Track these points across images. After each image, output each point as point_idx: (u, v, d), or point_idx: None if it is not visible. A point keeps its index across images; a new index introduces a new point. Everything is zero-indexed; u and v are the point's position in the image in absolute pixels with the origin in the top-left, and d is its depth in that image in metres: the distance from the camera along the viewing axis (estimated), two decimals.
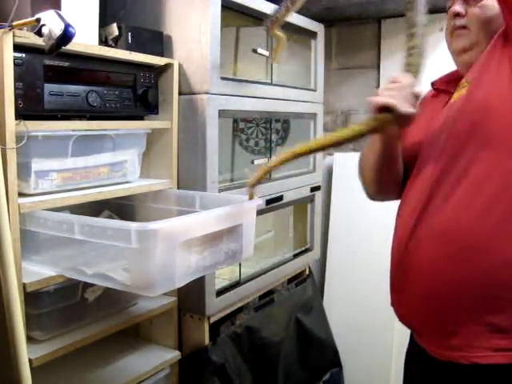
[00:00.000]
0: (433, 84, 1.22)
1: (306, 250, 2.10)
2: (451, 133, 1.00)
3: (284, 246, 2.06)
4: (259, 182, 1.10)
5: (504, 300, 0.92)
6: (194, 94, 1.47)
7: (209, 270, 1.25)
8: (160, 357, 1.48)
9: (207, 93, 1.44)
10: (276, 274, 1.87)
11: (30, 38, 1.03)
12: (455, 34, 1.10)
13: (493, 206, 0.92)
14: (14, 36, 1.02)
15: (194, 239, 1.08)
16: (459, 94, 1.04)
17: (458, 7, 1.09)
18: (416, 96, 0.93)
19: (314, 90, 2.04)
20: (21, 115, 1.06)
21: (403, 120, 0.93)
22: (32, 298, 1.13)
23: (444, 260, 0.96)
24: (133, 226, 1.02)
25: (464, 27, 1.09)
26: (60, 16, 0.95)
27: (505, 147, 0.93)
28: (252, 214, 1.28)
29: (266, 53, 1.75)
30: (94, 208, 1.48)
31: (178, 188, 1.50)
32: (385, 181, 1.16)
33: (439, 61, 1.31)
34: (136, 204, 1.54)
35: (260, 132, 1.89)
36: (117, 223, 1.11)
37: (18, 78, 1.05)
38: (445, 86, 1.17)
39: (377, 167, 1.14)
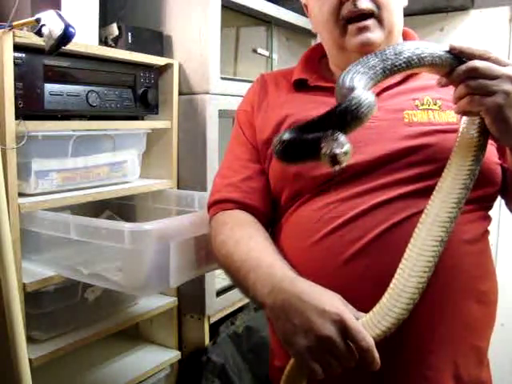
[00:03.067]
0: (304, 81, 0.93)
1: None
2: (425, 161, 0.78)
3: None
4: None
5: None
6: (194, 94, 1.47)
7: (205, 271, 1.24)
8: (160, 357, 1.48)
9: (207, 93, 1.44)
10: None
11: (30, 38, 1.03)
12: (357, 27, 0.83)
13: None
14: (14, 36, 1.02)
15: (189, 239, 1.08)
16: (427, 114, 0.81)
17: None
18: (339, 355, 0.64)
19: None
20: (21, 115, 1.06)
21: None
22: (32, 297, 1.13)
23: None
24: (126, 226, 1.03)
25: (371, 14, 0.83)
26: (60, 16, 0.95)
27: None
28: None
29: (266, 53, 1.75)
30: (95, 208, 1.49)
31: (178, 188, 1.50)
32: None
33: None
34: (136, 204, 1.54)
35: None
36: (111, 223, 1.11)
37: (18, 78, 1.05)
38: (327, 83, 0.91)
39: None
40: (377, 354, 0.64)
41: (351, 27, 0.84)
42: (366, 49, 0.83)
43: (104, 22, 1.40)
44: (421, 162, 0.78)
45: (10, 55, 1.02)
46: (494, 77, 0.65)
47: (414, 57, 0.68)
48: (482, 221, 0.82)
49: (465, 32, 1.93)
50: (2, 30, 1.00)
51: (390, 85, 0.85)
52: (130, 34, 1.38)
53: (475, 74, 0.66)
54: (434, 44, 0.71)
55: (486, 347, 0.83)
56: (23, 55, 1.07)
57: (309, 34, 2.00)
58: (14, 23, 1.00)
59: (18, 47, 1.04)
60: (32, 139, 1.09)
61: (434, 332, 0.75)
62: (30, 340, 1.14)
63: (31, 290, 1.10)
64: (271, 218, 0.93)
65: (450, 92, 0.75)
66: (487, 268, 0.82)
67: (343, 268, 0.77)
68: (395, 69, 0.68)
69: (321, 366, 0.65)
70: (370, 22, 0.83)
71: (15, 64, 1.04)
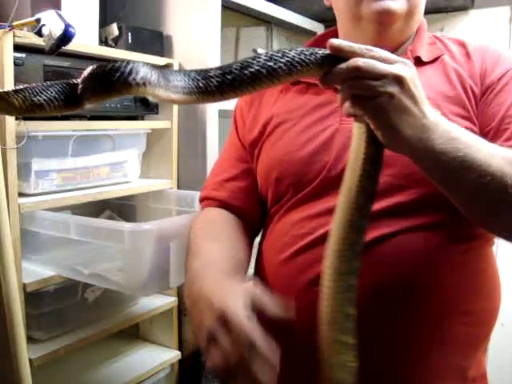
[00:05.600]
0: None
1: None
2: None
3: None
4: None
5: None
6: None
7: None
8: (160, 357, 1.48)
9: None
10: None
11: (30, 38, 1.03)
12: None
13: None
14: (14, 36, 1.02)
15: None
16: None
17: None
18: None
19: None
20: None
21: None
22: (32, 297, 1.13)
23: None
24: (126, 226, 1.03)
25: None
26: (60, 16, 0.95)
27: None
28: None
29: None
30: (95, 208, 1.49)
31: (178, 188, 1.50)
32: None
33: None
34: (136, 204, 1.54)
35: None
36: (111, 223, 1.11)
37: (18, 78, 1.05)
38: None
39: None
40: (263, 351, 0.57)
41: None
42: (384, 18, 0.77)
43: (104, 22, 1.40)
44: (391, 174, 0.72)
45: (10, 55, 1.02)
46: (378, 76, 0.56)
47: (264, 70, 0.58)
48: (469, 241, 0.76)
49: (465, 32, 1.93)
50: (2, 29, 1.00)
51: None
52: (129, 34, 1.38)
53: (357, 73, 0.57)
54: (304, 48, 0.60)
55: (471, 365, 0.78)
56: (23, 55, 1.07)
57: (309, 33, 2.00)
58: (14, 23, 1.00)
59: (18, 47, 1.04)
60: (32, 139, 1.10)
61: (409, 353, 0.73)
62: (30, 340, 1.14)
63: (31, 289, 1.10)
64: (261, 218, 0.90)
65: (436, 88, 0.73)
66: (480, 287, 0.77)
67: (309, 288, 0.75)
68: (238, 85, 0.58)
69: (210, 360, 0.62)
70: None
71: (15, 64, 1.04)
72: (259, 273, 0.87)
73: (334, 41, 0.59)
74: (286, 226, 0.80)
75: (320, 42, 0.90)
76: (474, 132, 0.72)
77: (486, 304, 0.78)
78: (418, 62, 0.80)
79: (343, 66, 0.57)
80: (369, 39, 0.79)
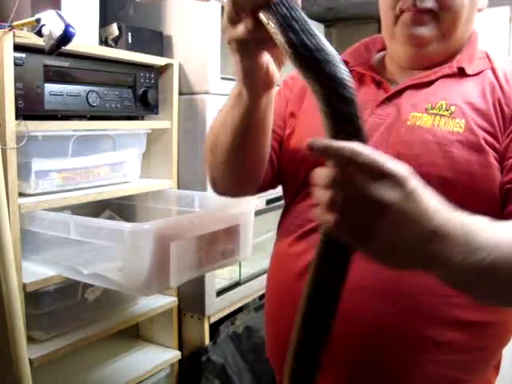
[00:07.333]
0: (345, 62, 0.85)
1: None
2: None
3: None
4: None
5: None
6: (193, 94, 1.47)
7: (205, 271, 1.25)
8: (160, 357, 1.48)
9: (207, 93, 1.44)
10: None
11: (30, 38, 1.04)
12: (411, 17, 0.77)
13: None
14: (14, 36, 1.02)
15: (188, 239, 1.08)
16: (432, 120, 0.75)
17: None
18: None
19: None
20: (21, 115, 1.06)
21: None
22: (32, 297, 1.13)
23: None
24: (126, 226, 1.03)
25: (431, 11, 0.77)
26: (60, 16, 0.95)
27: None
28: (250, 214, 1.28)
29: None
30: (96, 208, 1.49)
31: (178, 188, 1.50)
32: (244, 165, 0.80)
33: None
34: (137, 204, 1.54)
35: None
36: (111, 223, 1.11)
37: (17, 78, 1.05)
38: (365, 70, 0.86)
39: (235, 142, 0.74)
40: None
41: (405, 15, 0.78)
42: (415, 42, 0.79)
43: (104, 22, 1.40)
44: None
45: (10, 55, 1.02)
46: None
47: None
48: None
49: None
50: (2, 29, 1.00)
51: (417, 83, 0.79)
52: (129, 33, 1.38)
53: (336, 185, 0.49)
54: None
55: (475, 379, 0.77)
56: (23, 55, 1.07)
57: None
58: (14, 23, 1.00)
59: (18, 47, 1.04)
60: (32, 139, 1.10)
61: (403, 358, 0.72)
62: (30, 340, 1.14)
63: (31, 289, 1.10)
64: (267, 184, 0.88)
65: (468, 99, 0.75)
66: None
67: (300, 276, 0.74)
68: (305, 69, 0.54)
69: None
70: (426, 17, 0.77)
71: (15, 64, 1.04)
72: (274, 252, 0.88)
73: (311, 142, 0.50)
74: (302, 209, 0.81)
75: (364, 48, 0.93)
76: (497, 151, 0.71)
77: (496, 317, 0.75)
78: (461, 74, 0.79)
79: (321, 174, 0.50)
80: (405, 57, 0.82)
